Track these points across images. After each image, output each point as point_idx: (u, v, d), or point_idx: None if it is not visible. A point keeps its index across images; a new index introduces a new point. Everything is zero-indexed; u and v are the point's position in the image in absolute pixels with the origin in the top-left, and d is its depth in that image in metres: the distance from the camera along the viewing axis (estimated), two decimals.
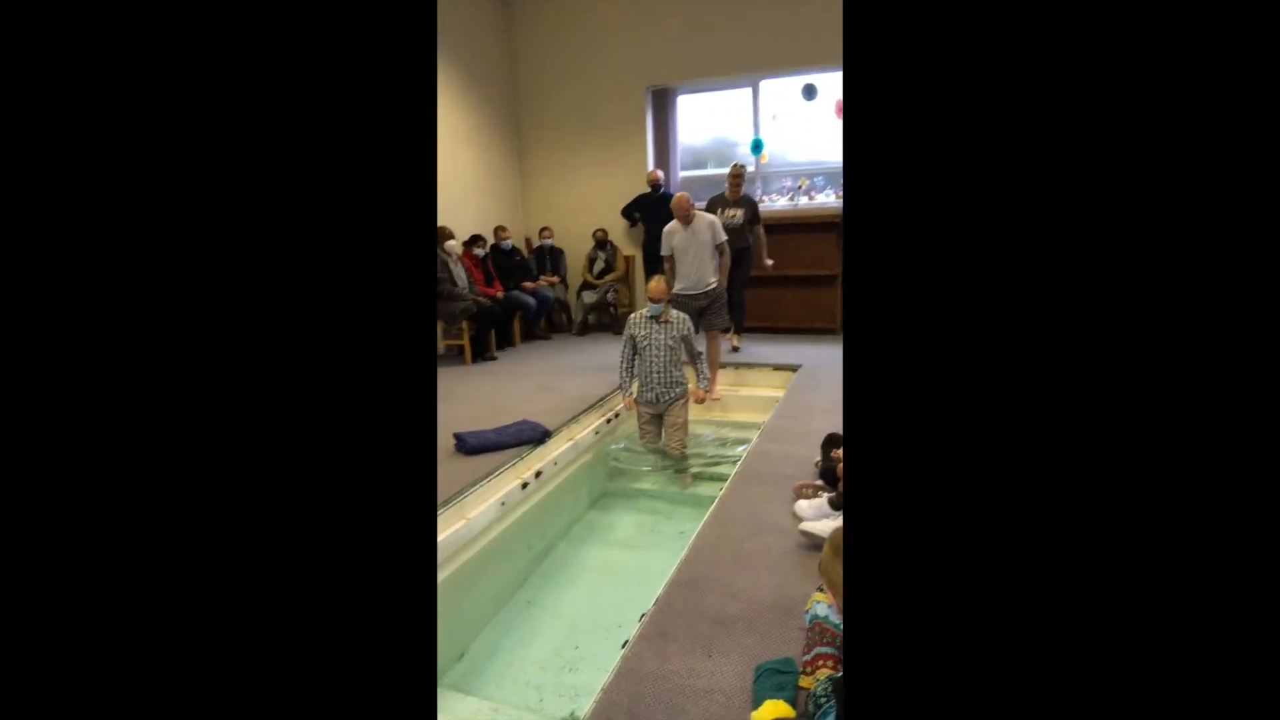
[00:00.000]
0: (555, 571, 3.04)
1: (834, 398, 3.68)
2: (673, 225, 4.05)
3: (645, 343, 3.52)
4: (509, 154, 6.73)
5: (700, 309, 4.08)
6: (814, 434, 2.96)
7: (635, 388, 3.67)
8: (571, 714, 2.06)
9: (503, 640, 2.55)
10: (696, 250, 4.00)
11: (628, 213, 6.34)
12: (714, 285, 4.09)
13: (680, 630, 1.80)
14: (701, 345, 3.89)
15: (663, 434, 3.67)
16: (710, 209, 4.89)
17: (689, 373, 3.72)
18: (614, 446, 3.79)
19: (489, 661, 2.44)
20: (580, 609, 2.71)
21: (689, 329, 3.59)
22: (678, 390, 3.58)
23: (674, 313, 3.55)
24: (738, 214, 4.90)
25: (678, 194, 4.04)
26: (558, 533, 3.27)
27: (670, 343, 3.51)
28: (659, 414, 3.64)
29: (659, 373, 3.53)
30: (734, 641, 1.73)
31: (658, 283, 3.50)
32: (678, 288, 4.07)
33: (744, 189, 5.04)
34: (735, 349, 5.11)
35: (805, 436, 3.09)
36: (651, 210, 5.82)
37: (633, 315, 3.60)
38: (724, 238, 4.12)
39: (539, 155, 6.81)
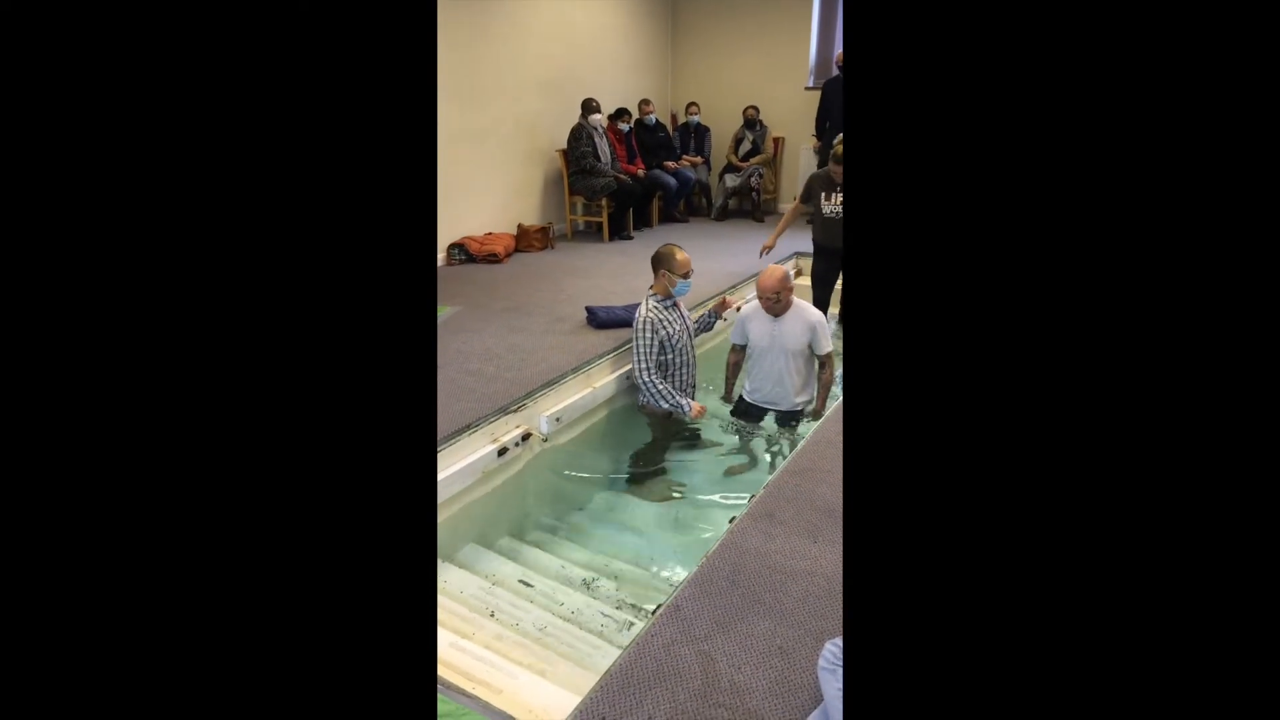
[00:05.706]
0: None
1: None
2: (753, 308, 2.79)
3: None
4: (660, 19, 6.38)
5: (776, 423, 2.81)
6: None
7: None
8: (677, 572, 2.20)
9: (617, 500, 2.73)
10: (780, 358, 2.71)
11: (820, 123, 5.63)
12: (800, 405, 2.76)
13: (788, 515, 1.83)
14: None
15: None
16: (809, 192, 3.53)
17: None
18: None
19: (603, 517, 2.63)
20: (694, 486, 2.81)
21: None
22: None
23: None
24: None
25: (769, 267, 2.76)
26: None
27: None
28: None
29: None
30: (841, 532, 1.73)
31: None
32: (746, 390, 2.86)
33: None
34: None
35: None
36: (840, 100, 4.97)
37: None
38: (828, 348, 2.70)
39: (691, 20, 6.40)
